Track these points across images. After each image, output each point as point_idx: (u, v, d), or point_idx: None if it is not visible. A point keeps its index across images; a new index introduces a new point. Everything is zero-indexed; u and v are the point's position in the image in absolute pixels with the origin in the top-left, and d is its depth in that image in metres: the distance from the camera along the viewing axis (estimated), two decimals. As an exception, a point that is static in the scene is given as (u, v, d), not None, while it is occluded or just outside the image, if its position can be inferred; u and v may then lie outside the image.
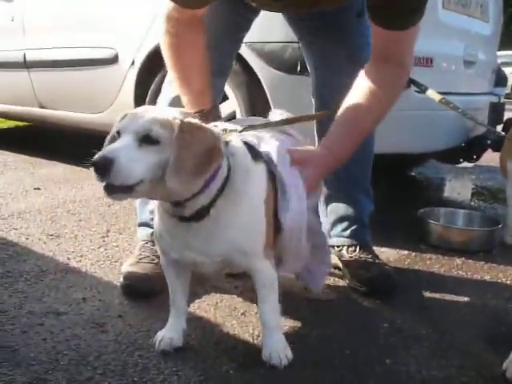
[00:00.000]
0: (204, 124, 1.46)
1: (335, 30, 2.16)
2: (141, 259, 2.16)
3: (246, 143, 1.64)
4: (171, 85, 2.24)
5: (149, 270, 2.10)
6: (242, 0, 2.06)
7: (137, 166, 1.33)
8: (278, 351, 1.63)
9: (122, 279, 2.11)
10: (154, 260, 2.14)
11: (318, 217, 2.16)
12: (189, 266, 1.68)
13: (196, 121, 1.45)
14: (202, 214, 1.50)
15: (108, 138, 1.49)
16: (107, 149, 1.35)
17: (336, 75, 2.14)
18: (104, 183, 1.34)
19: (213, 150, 1.41)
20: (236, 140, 1.61)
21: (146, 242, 2.23)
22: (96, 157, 1.31)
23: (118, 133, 1.40)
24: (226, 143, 1.55)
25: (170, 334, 1.72)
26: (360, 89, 1.85)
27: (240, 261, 1.60)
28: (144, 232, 2.26)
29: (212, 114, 1.89)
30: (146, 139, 1.35)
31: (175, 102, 2.22)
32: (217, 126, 1.61)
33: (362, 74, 1.88)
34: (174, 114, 1.43)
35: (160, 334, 1.72)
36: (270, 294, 1.65)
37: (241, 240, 1.55)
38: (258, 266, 1.62)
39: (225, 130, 1.63)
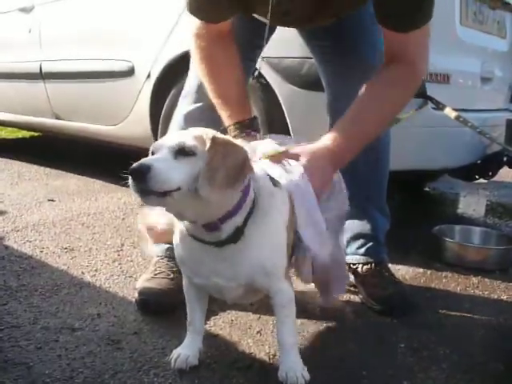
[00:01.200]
0: (232, 139, 1.53)
1: (346, 47, 2.16)
2: (156, 274, 2.15)
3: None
4: (187, 99, 2.25)
5: (164, 285, 2.09)
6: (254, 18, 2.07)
7: (174, 173, 1.37)
8: (295, 371, 1.62)
9: (137, 295, 2.10)
10: (169, 275, 2.13)
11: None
12: (212, 291, 1.68)
13: (227, 136, 1.53)
14: (237, 235, 1.51)
15: None
16: (143, 159, 1.38)
17: (349, 91, 2.13)
18: (139, 189, 1.36)
19: (244, 163, 1.45)
20: (258, 166, 1.63)
21: (161, 258, 2.22)
22: (134, 165, 1.34)
23: (153, 154, 1.44)
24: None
25: (186, 351, 1.71)
26: (369, 88, 1.85)
27: (262, 282, 1.60)
28: (159, 248, 2.25)
29: (253, 125, 1.91)
30: (181, 152, 1.40)
31: (190, 117, 2.23)
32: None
33: (375, 75, 1.88)
34: (207, 131, 1.48)
35: (176, 352, 1.72)
36: (289, 316, 1.65)
37: (267, 261, 1.56)
38: (279, 286, 1.62)
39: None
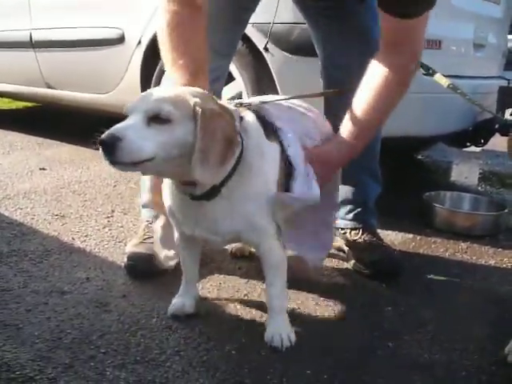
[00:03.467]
0: (222, 107, 1.45)
1: (342, 10, 2.14)
2: (145, 239, 2.16)
3: (259, 118, 1.63)
4: None
5: (152, 250, 2.10)
6: None
7: (146, 143, 1.32)
8: (281, 333, 1.64)
9: (125, 259, 2.12)
10: None
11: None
12: (200, 241, 1.71)
13: (216, 107, 1.44)
14: (213, 193, 1.50)
15: None
16: (114, 127, 1.33)
17: (344, 55, 2.13)
18: (109, 160, 1.32)
19: (233, 137, 1.43)
20: (250, 115, 1.60)
21: (149, 223, 2.23)
22: (103, 135, 1.30)
23: (128, 115, 1.39)
24: (241, 119, 1.54)
25: (182, 300, 1.78)
26: (372, 78, 1.84)
27: (250, 238, 1.61)
28: (148, 213, 2.26)
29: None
30: (156, 118, 1.35)
31: None
32: (231, 103, 1.61)
33: (373, 62, 1.85)
34: (186, 93, 1.43)
35: (174, 300, 1.78)
36: (278, 277, 1.66)
37: (252, 216, 1.55)
38: (268, 244, 1.63)
39: (239, 104, 1.62)
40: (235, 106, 1.62)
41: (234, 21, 2.15)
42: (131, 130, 1.32)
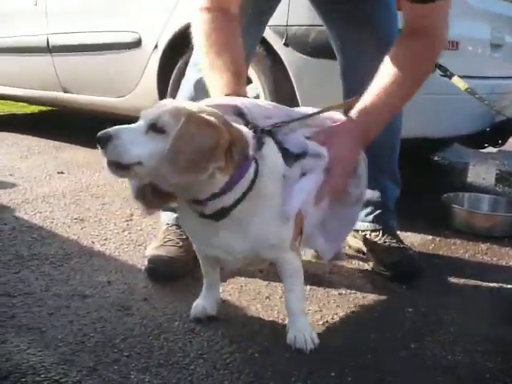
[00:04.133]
0: (217, 122, 1.39)
1: (362, 12, 2.13)
2: (165, 242, 2.16)
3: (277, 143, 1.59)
4: (195, 67, 2.24)
5: (173, 253, 2.11)
6: None
7: (134, 147, 1.34)
8: (304, 334, 1.64)
9: (146, 262, 2.12)
10: (178, 243, 2.15)
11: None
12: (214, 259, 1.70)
13: (209, 116, 1.39)
14: (222, 214, 1.48)
15: None
16: (114, 127, 1.37)
17: (364, 59, 2.12)
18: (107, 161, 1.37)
19: (214, 150, 1.36)
20: (271, 143, 1.56)
21: (170, 225, 2.24)
22: (100, 131, 1.35)
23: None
24: (260, 145, 1.50)
25: (203, 302, 1.79)
26: (391, 63, 1.82)
27: (266, 254, 1.62)
28: (167, 216, 2.26)
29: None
30: (153, 127, 1.37)
31: (199, 85, 2.21)
32: (248, 126, 1.54)
33: (392, 49, 1.85)
34: (191, 106, 1.43)
35: (196, 303, 1.79)
36: (296, 283, 1.67)
37: (269, 235, 1.55)
38: (285, 257, 1.64)
39: (255, 129, 1.53)
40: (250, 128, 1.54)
41: (253, 23, 2.15)
42: (126, 132, 1.36)
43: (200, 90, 2.15)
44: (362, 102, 1.82)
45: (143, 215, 2.60)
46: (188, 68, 2.31)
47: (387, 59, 1.84)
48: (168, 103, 1.45)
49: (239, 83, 1.76)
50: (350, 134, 1.78)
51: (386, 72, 1.82)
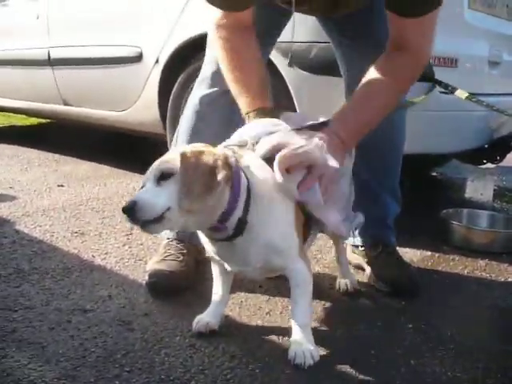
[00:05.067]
0: (204, 149, 1.58)
1: (365, 31, 2.15)
2: (166, 257, 2.17)
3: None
4: (202, 84, 2.27)
5: (174, 267, 2.12)
6: (276, 5, 2.07)
7: (157, 199, 1.51)
8: (304, 351, 1.64)
9: (147, 277, 2.13)
10: (178, 257, 2.16)
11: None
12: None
13: (197, 148, 1.59)
14: (242, 225, 1.59)
15: None
16: (133, 196, 1.54)
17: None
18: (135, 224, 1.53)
19: (214, 168, 1.52)
20: (249, 154, 1.69)
21: (170, 240, 2.25)
22: (124, 204, 1.51)
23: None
24: (237, 160, 1.62)
25: (207, 317, 1.82)
26: (371, 74, 1.84)
27: (277, 262, 1.67)
28: (168, 231, 2.27)
29: (272, 113, 1.85)
30: (162, 176, 1.53)
31: (205, 99, 2.24)
32: (227, 147, 1.70)
33: (376, 61, 1.86)
34: (180, 149, 1.59)
35: (198, 317, 1.82)
36: (303, 296, 1.70)
37: (276, 241, 1.63)
38: (293, 265, 1.68)
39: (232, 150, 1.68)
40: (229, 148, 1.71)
41: (264, 44, 2.16)
42: (144, 193, 1.53)
43: (206, 105, 2.21)
44: (343, 114, 1.84)
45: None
46: (195, 85, 2.33)
47: (370, 70, 1.85)
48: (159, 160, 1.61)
49: (266, 97, 1.89)
50: (331, 139, 1.74)
51: (365, 84, 1.84)
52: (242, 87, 1.89)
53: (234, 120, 2.10)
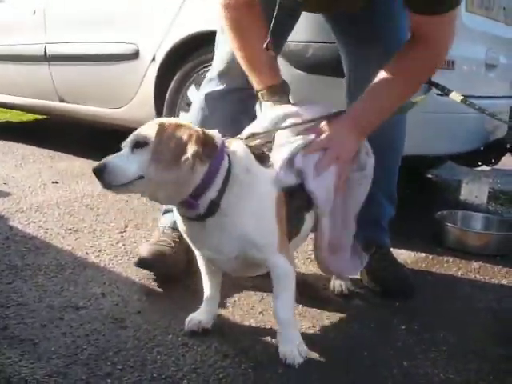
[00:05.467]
0: (183, 123, 1.60)
1: (372, 34, 2.14)
2: (158, 242, 2.20)
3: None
4: (209, 83, 2.27)
5: (165, 251, 2.14)
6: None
7: (129, 166, 1.52)
8: (292, 349, 1.64)
9: (139, 255, 2.16)
10: (170, 244, 2.19)
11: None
12: (209, 262, 1.78)
13: (176, 121, 1.62)
14: (213, 208, 1.58)
15: None
16: (105, 158, 1.55)
17: (370, 78, 2.13)
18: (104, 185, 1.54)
19: (186, 142, 1.53)
20: (238, 142, 1.71)
21: (165, 228, 2.26)
22: (94, 165, 1.53)
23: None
24: (225, 143, 1.65)
25: (199, 316, 1.82)
26: (389, 65, 1.87)
27: (254, 255, 1.66)
28: (167, 219, 2.29)
29: (282, 89, 1.95)
30: (137, 144, 1.55)
31: (211, 96, 2.24)
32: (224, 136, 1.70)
33: (396, 53, 1.88)
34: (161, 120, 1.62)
35: (191, 316, 1.82)
36: (284, 290, 1.69)
37: (252, 233, 1.62)
38: (273, 259, 1.67)
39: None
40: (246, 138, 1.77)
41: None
42: (117, 158, 1.54)
43: (210, 101, 2.22)
44: (362, 99, 1.88)
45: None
46: (202, 84, 2.33)
47: (389, 62, 1.87)
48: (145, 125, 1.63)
49: (275, 74, 1.97)
50: (345, 123, 1.84)
51: (386, 73, 1.86)
52: (252, 65, 1.96)
53: (238, 119, 2.12)
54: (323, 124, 1.83)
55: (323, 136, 1.80)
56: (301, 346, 1.67)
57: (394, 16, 2.09)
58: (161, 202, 1.75)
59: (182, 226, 1.71)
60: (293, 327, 1.70)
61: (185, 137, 1.54)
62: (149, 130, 1.56)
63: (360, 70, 2.21)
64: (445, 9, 1.76)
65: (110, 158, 1.54)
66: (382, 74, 1.87)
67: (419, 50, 1.83)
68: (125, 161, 1.53)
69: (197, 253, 1.80)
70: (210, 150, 1.57)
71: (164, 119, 1.62)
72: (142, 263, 2.14)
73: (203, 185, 1.56)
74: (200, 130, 1.59)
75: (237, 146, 1.67)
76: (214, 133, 1.64)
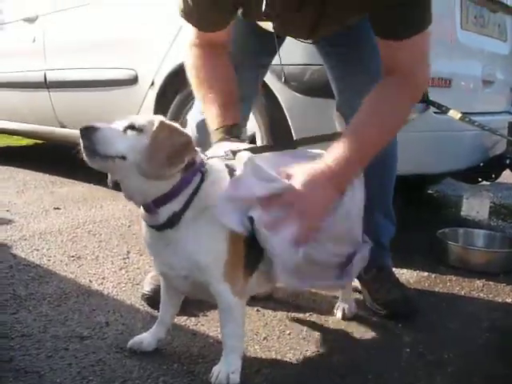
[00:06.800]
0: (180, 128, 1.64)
1: (356, 56, 2.16)
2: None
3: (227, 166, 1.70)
4: (198, 107, 2.27)
5: None
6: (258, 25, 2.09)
7: (119, 140, 1.52)
8: (224, 372, 1.61)
9: (144, 291, 2.18)
10: None
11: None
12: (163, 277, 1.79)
13: (175, 124, 1.64)
14: (173, 221, 1.58)
15: None
16: (97, 123, 1.53)
17: (358, 98, 2.13)
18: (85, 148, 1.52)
19: (184, 148, 1.57)
20: (216, 159, 1.70)
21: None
22: (84, 124, 1.51)
23: None
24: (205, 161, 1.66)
25: (144, 337, 1.85)
26: (367, 102, 1.81)
27: (199, 278, 1.63)
28: None
29: (232, 132, 1.87)
30: (131, 127, 1.55)
31: (201, 125, 2.23)
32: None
33: (372, 89, 1.83)
34: (158, 117, 1.62)
35: (138, 336, 1.85)
36: (229, 321, 1.66)
37: (198, 255, 1.60)
38: (217, 288, 1.63)
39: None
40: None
41: (251, 66, 2.18)
42: (109, 129, 1.53)
43: (202, 130, 2.19)
44: (339, 145, 1.74)
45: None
46: (193, 106, 2.35)
47: (365, 99, 1.81)
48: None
49: (230, 114, 1.90)
50: (320, 175, 1.69)
51: (363, 113, 1.80)
52: (208, 105, 1.94)
53: None
54: (296, 174, 1.67)
55: (292, 188, 1.63)
56: (234, 374, 1.62)
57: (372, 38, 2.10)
58: (126, 194, 1.63)
59: (144, 234, 1.71)
60: (235, 355, 1.65)
61: (183, 141, 1.58)
62: (147, 120, 1.57)
63: (346, 93, 2.22)
64: (409, 33, 1.73)
65: (102, 125, 1.53)
66: (360, 114, 1.80)
67: (394, 81, 1.79)
68: (116, 135, 1.52)
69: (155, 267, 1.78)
70: (190, 164, 1.59)
71: (161, 117, 1.64)
72: (146, 300, 2.17)
73: (169, 194, 1.57)
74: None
75: (215, 162, 1.68)
76: (197, 149, 1.66)
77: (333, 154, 1.72)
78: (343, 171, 1.72)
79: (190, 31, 1.96)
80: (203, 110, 1.98)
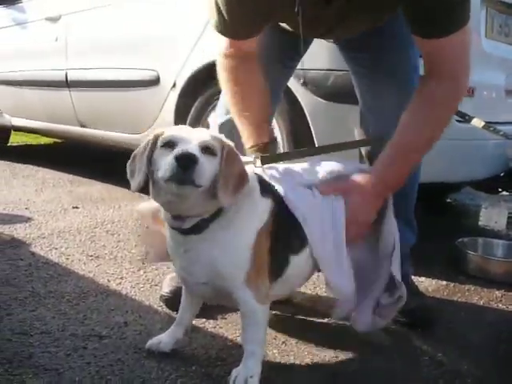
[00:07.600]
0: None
1: (381, 59, 2.15)
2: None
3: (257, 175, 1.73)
4: (222, 109, 2.28)
5: None
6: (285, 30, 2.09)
7: (208, 169, 1.47)
8: (242, 376, 1.60)
9: (164, 292, 2.17)
10: None
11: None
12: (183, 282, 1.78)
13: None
14: (201, 227, 1.58)
15: (143, 151, 1.57)
16: (187, 150, 1.43)
17: (383, 104, 2.12)
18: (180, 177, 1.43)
19: (245, 171, 1.59)
20: (249, 170, 1.70)
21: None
22: (181, 152, 1.42)
23: (170, 144, 1.49)
24: None
25: (161, 338, 1.84)
26: (410, 109, 1.81)
27: (221, 285, 1.63)
28: None
29: (269, 149, 1.92)
30: (207, 150, 1.49)
31: (224, 128, 2.25)
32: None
33: (415, 93, 1.83)
34: (218, 135, 1.61)
35: (157, 337, 1.85)
36: (250, 326, 1.66)
37: (222, 263, 1.60)
38: (238, 293, 1.63)
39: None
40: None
41: (276, 70, 2.18)
42: (201, 156, 1.45)
43: (226, 130, 2.20)
44: (384, 154, 1.84)
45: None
46: (217, 108, 2.36)
47: (408, 108, 1.82)
48: (193, 129, 1.60)
49: (264, 132, 1.95)
50: (367, 187, 1.82)
51: (405, 123, 1.82)
52: (243, 122, 1.96)
53: None
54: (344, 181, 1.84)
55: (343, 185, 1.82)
56: (252, 379, 1.60)
57: (406, 47, 2.08)
58: (177, 212, 1.58)
59: (169, 240, 1.70)
60: (255, 359, 1.64)
61: (243, 166, 1.60)
62: (216, 140, 1.53)
63: (370, 99, 2.21)
64: (450, 29, 1.69)
65: (197, 153, 1.45)
66: (402, 125, 1.82)
67: (431, 85, 1.78)
68: (206, 163, 1.47)
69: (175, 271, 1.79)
70: None
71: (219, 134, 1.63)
72: (164, 302, 2.18)
73: (218, 210, 1.58)
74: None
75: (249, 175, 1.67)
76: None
77: (383, 168, 1.84)
78: (390, 184, 1.87)
79: (221, 41, 1.96)
80: (238, 126, 1.99)
